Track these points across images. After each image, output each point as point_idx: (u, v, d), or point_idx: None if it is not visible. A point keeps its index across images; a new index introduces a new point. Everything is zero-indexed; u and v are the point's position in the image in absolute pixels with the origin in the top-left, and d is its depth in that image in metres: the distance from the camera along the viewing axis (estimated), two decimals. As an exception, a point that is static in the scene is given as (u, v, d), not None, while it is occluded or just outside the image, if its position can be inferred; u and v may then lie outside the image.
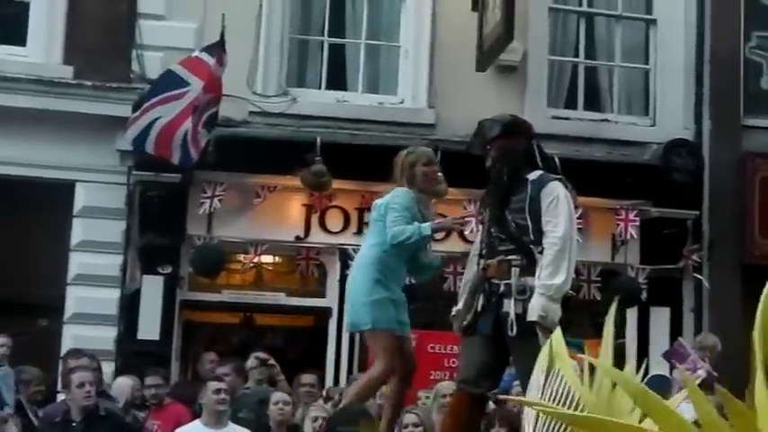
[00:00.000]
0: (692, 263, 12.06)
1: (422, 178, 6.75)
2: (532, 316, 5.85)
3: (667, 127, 12.36)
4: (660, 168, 11.91)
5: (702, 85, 12.44)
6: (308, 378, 9.80)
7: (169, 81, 10.33)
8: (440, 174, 6.96)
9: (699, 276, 12.09)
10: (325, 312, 11.72)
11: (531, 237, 6.05)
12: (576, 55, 12.72)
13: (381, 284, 6.58)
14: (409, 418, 8.20)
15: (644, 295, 11.83)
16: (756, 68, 12.70)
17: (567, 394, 2.22)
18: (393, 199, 6.66)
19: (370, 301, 6.54)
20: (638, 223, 11.77)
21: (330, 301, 11.72)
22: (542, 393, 2.25)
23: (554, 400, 2.21)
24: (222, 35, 10.30)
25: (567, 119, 12.16)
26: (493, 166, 6.26)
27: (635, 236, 11.83)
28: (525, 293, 5.96)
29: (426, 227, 6.54)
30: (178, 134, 10.17)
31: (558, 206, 6.07)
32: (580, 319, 10.76)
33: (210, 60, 10.23)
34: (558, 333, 2.40)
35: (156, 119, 10.17)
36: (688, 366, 9.53)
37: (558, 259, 5.94)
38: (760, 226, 12.17)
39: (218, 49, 10.29)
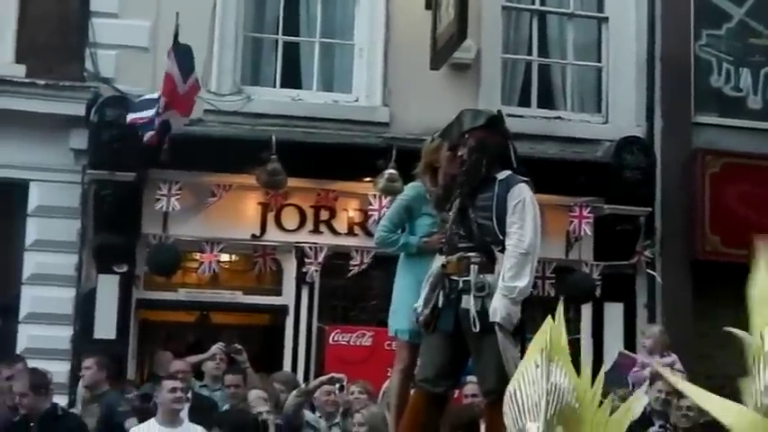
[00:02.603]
0: (644, 259, 12.19)
1: (447, 165, 6.57)
2: (495, 317, 5.86)
3: (619, 124, 12.48)
4: (612, 166, 12.03)
5: (654, 83, 12.57)
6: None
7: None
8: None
9: (651, 272, 12.22)
10: (282, 310, 11.74)
11: (494, 237, 6.05)
12: (530, 53, 12.80)
13: None
14: (356, 417, 8.38)
15: (598, 291, 11.94)
16: (707, 66, 12.86)
17: (571, 389, 2.28)
18: (396, 198, 6.72)
19: None
20: (591, 220, 11.88)
21: (287, 299, 11.74)
22: (546, 386, 2.29)
23: (558, 393, 2.27)
24: (176, 33, 10.26)
25: (520, 116, 12.20)
26: (469, 157, 6.18)
27: (588, 233, 11.93)
28: (484, 290, 5.96)
29: (412, 245, 6.60)
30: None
31: (525, 209, 6.06)
32: (534, 316, 10.83)
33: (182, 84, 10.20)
34: (551, 323, 2.47)
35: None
36: (635, 370, 9.71)
37: (522, 263, 5.95)
38: (710, 222, 12.33)
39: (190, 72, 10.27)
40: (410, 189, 6.88)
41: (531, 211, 6.08)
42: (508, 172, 6.21)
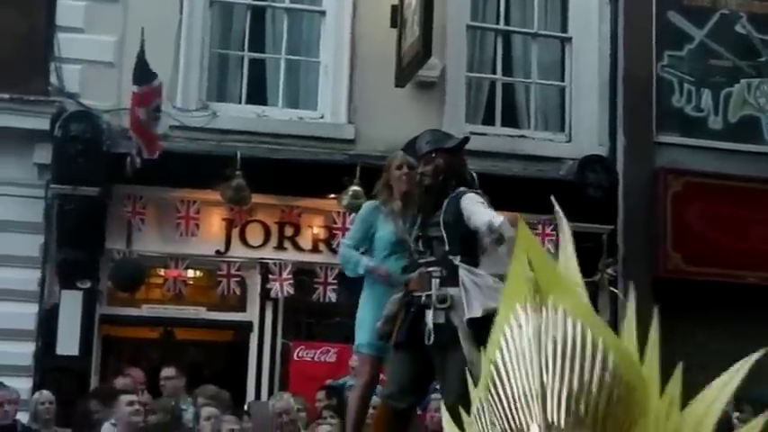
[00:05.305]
0: (607, 276, 12.26)
1: (396, 182, 6.70)
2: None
3: (582, 143, 12.59)
4: (575, 184, 12.12)
5: (616, 103, 12.70)
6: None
7: None
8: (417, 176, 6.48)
9: (614, 290, 12.30)
10: (246, 327, 11.72)
11: (447, 247, 6.09)
12: (494, 72, 12.90)
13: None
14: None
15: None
16: (668, 86, 13.00)
17: (582, 339, 1.28)
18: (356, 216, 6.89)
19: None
20: (554, 237, 11.95)
21: (251, 315, 11.73)
22: (538, 343, 1.31)
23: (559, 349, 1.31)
24: (142, 49, 10.27)
25: (484, 134, 12.29)
26: (434, 176, 6.26)
27: (551, 250, 11.98)
28: (446, 302, 5.98)
29: (363, 264, 6.62)
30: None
31: (476, 200, 6.07)
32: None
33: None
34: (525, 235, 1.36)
35: None
36: None
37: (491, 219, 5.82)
38: (672, 240, 12.45)
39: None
40: (365, 206, 6.98)
41: (481, 200, 6.06)
42: (462, 189, 6.25)
